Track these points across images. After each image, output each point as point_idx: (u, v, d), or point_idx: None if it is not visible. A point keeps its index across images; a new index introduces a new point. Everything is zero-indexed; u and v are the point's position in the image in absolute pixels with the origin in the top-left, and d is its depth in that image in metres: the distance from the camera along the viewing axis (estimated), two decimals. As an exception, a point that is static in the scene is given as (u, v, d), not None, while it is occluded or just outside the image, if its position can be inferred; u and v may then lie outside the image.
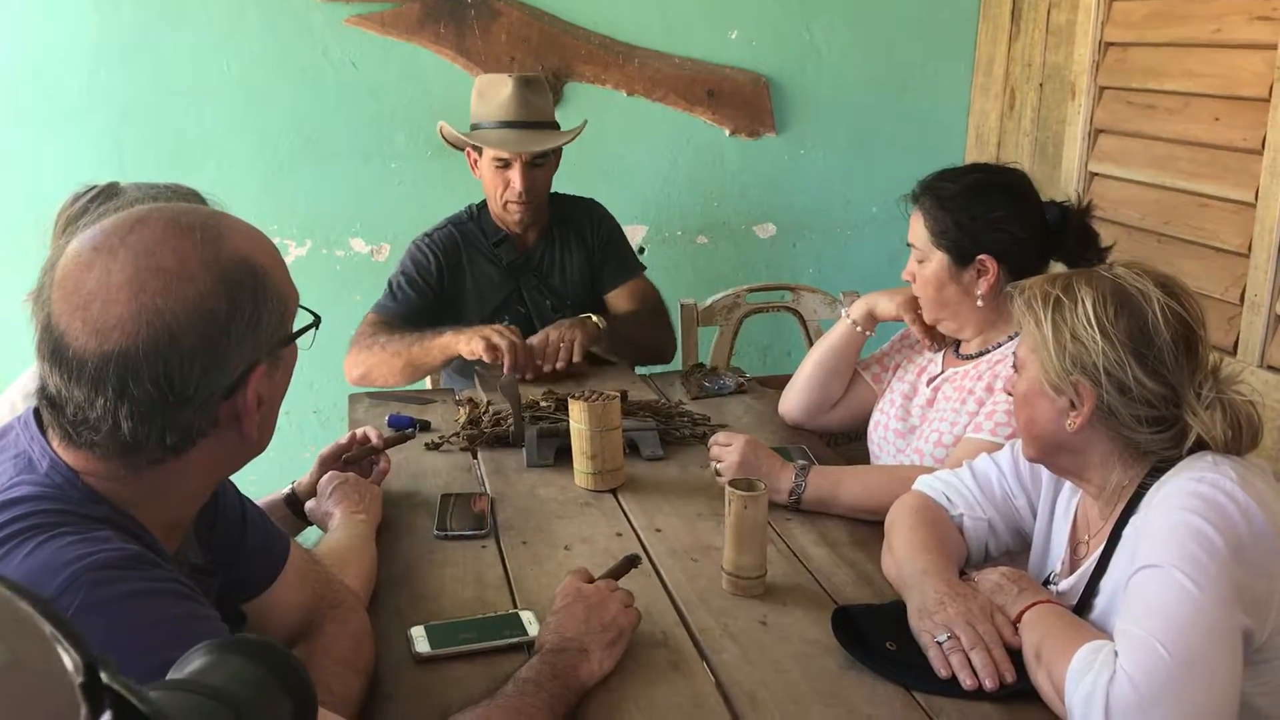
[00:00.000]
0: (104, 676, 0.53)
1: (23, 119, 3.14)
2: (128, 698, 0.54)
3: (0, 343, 2.22)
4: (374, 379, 2.64)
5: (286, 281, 1.16)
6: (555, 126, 2.80)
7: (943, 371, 2.14)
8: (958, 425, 2.00)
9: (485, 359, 2.47)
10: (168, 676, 0.70)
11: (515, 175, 2.69)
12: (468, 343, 2.50)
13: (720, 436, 2.01)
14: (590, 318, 2.66)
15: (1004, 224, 1.98)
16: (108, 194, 1.71)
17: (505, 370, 2.43)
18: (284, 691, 0.70)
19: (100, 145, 3.17)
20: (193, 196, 1.72)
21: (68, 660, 0.51)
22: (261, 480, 2.09)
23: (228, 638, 0.72)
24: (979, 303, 2.02)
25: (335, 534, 1.72)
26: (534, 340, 2.55)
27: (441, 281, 2.78)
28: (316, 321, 1.21)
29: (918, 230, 2.06)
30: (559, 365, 2.53)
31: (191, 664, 0.69)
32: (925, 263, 2.05)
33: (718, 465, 1.97)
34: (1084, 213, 2.04)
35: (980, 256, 1.99)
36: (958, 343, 2.14)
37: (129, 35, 3.16)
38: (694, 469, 2.11)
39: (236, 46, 3.23)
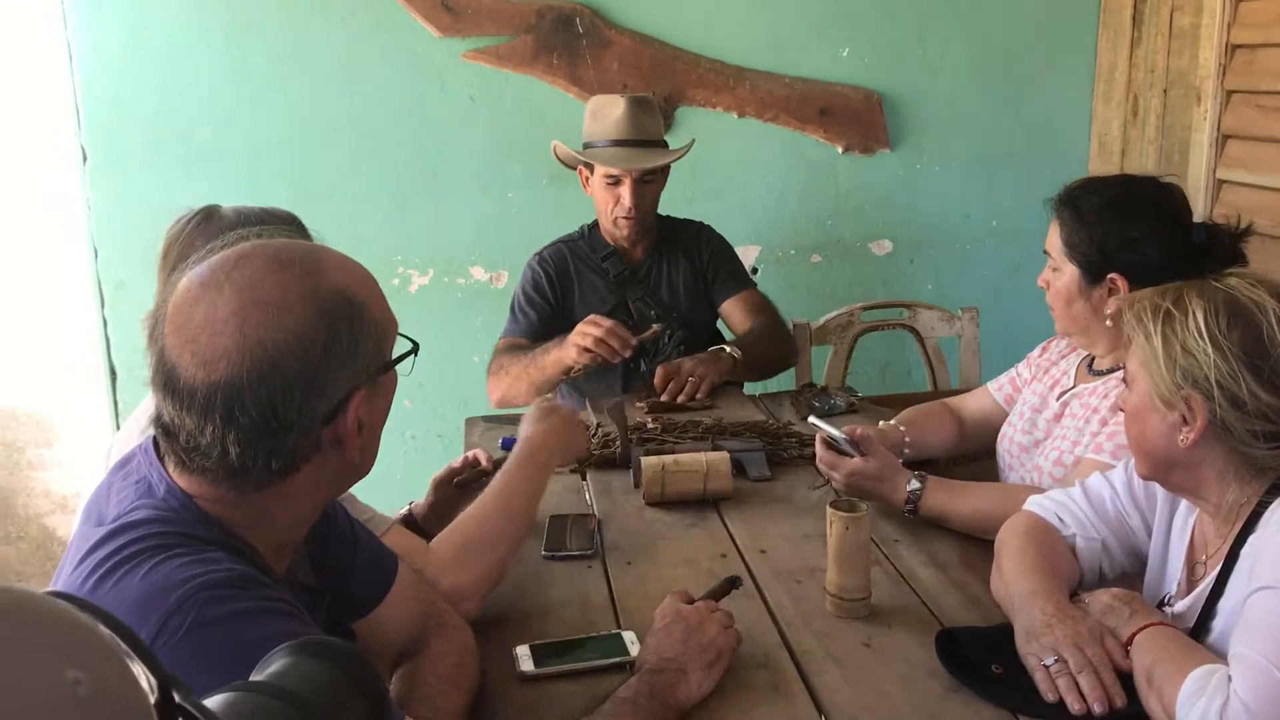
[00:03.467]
0: (176, 696, 0.57)
1: (162, 162, 3.32)
2: (196, 714, 0.58)
3: (142, 373, 2.34)
4: (510, 401, 2.74)
5: (384, 311, 1.21)
6: (664, 145, 2.87)
7: (1073, 386, 2.07)
8: (1079, 445, 1.95)
9: (582, 362, 2.53)
10: (250, 678, 0.73)
11: (625, 191, 2.77)
12: (568, 355, 2.57)
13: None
14: (724, 350, 2.71)
15: (1140, 244, 1.91)
16: (206, 216, 1.80)
17: (609, 360, 2.51)
18: (357, 692, 0.73)
19: (234, 183, 3.32)
20: (287, 217, 1.80)
21: (143, 680, 0.55)
22: (389, 502, 2.17)
23: (304, 639, 0.75)
24: (1108, 322, 1.96)
25: (494, 488, 1.75)
26: (667, 369, 2.61)
27: (556, 294, 2.87)
28: (415, 349, 1.25)
29: (1053, 239, 2.01)
30: (683, 399, 2.58)
31: (270, 666, 0.73)
32: (1058, 273, 2.01)
33: (831, 474, 1.98)
34: (1236, 235, 1.94)
35: (1111, 275, 1.93)
36: (1092, 358, 2.08)
37: (258, 78, 3.32)
38: (801, 490, 2.11)
39: (360, 85, 3.36)
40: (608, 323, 2.54)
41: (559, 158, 2.94)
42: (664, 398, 2.57)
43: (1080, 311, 1.99)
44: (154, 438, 1.20)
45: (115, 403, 3.44)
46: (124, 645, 0.56)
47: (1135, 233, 1.91)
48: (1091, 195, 1.97)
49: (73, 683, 0.50)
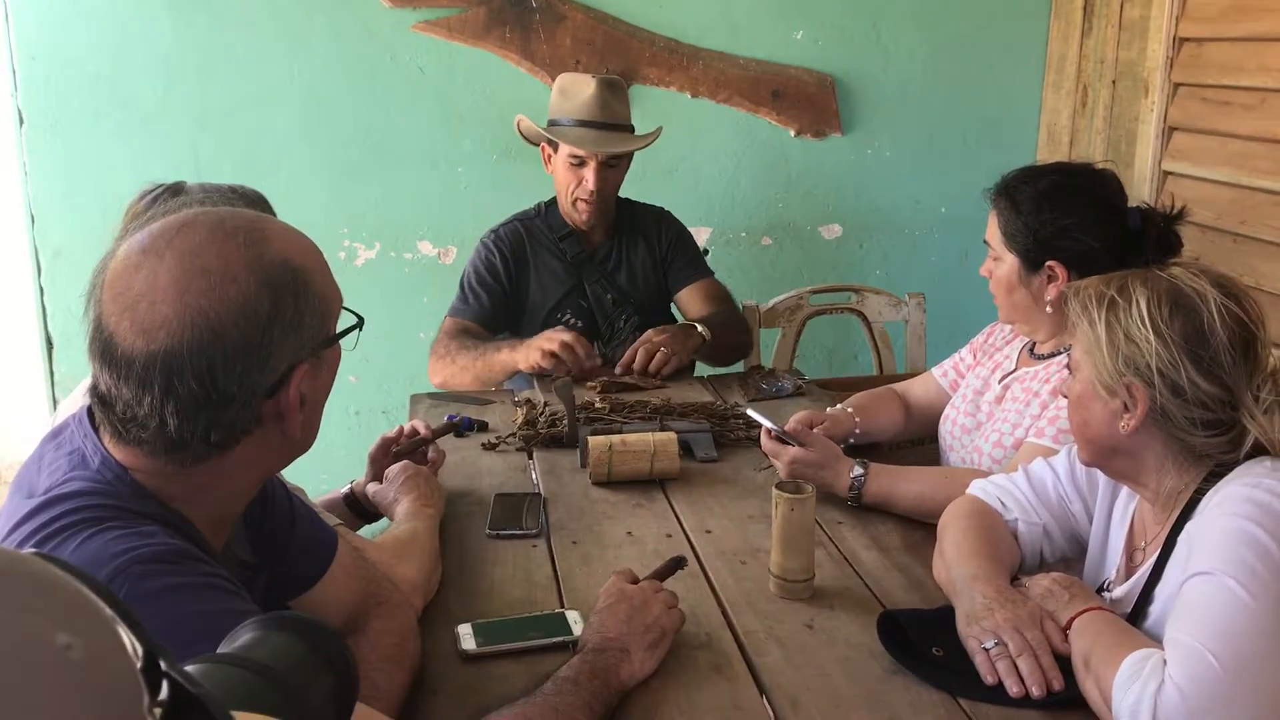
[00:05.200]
0: (162, 664, 0.55)
1: (102, 127, 3.24)
2: (182, 683, 0.56)
3: (79, 342, 2.29)
4: (451, 386, 2.71)
5: (329, 284, 1.18)
6: (631, 130, 2.84)
7: (1015, 370, 2.11)
8: (1019, 427, 1.98)
9: (546, 366, 2.50)
10: (218, 650, 0.72)
11: (589, 174, 2.73)
12: (525, 359, 2.54)
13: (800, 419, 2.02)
14: (696, 328, 2.69)
15: (1075, 231, 1.94)
16: (173, 192, 1.76)
17: (569, 372, 2.46)
18: (326, 668, 0.72)
19: (176, 151, 3.26)
20: (255, 196, 1.77)
21: (129, 647, 0.53)
22: (332, 479, 2.15)
23: (275, 613, 0.74)
24: (1048, 309, 1.99)
25: (406, 524, 1.74)
26: (637, 349, 2.60)
27: (510, 276, 2.83)
28: (360, 323, 1.23)
29: (993, 230, 2.04)
30: (652, 369, 2.57)
31: (240, 639, 0.72)
32: (999, 262, 2.03)
33: (775, 461, 1.97)
34: (1170, 219, 1.97)
35: (1050, 262, 1.96)
36: (1034, 343, 2.11)
37: (202, 44, 3.24)
38: (747, 471, 2.11)
39: (307, 54, 3.29)
40: (571, 334, 2.53)
41: (522, 133, 2.91)
42: (635, 367, 2.56)
43: (1021, 299, 2.02)
44: (89, 408, 1.17)
45: (51, 373, 3.36)
46: (108, 610, 0.53)
47: (1070, 220, 1.94)
48: (1026, 185, 1.99)
49: (64, 647, 0.48)
